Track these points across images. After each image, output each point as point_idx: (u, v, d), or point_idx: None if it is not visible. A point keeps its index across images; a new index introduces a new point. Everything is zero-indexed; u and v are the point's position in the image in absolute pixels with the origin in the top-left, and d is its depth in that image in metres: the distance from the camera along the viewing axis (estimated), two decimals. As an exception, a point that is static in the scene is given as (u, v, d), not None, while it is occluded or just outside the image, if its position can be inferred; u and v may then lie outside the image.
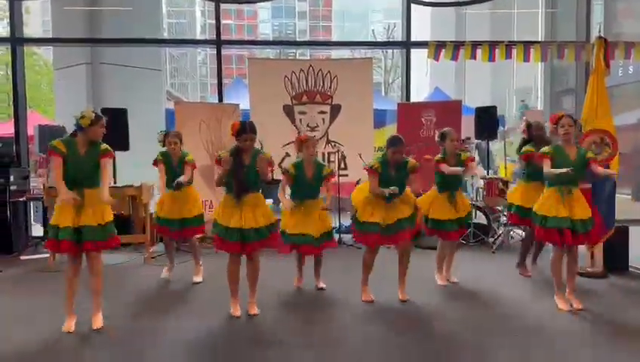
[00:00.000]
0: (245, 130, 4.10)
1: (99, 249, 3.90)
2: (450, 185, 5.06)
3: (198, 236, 5.86)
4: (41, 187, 7.12)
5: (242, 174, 4.09)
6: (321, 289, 5.01)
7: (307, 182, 4.70)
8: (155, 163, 5.40)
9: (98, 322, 3.95)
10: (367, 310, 4.40)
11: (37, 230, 7.81)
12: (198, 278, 5.40)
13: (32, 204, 7.75)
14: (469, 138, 8.54)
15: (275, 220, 4.29)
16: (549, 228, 4.24)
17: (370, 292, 4.66)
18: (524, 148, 5.33)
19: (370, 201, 4.54)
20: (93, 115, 3.89)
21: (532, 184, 5.14)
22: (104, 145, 3.93)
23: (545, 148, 4.41)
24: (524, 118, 10.27)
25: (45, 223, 7.38)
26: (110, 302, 4.39)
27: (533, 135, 5.36)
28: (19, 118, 8.12)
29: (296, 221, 4.67)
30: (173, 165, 5.33)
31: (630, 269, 5.60)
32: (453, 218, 5.04)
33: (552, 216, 4.23)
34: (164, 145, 5.38)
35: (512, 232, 7.32)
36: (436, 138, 5.27)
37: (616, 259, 5.52)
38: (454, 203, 5.03)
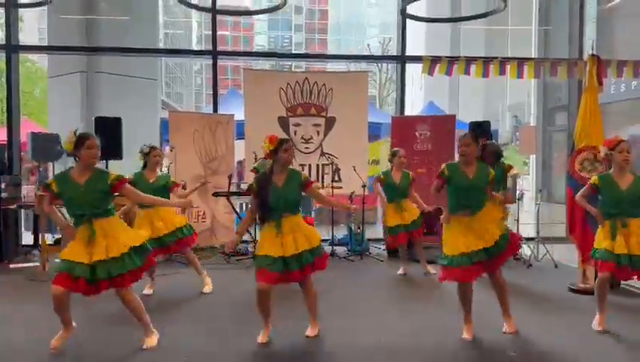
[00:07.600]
0: (285, 139, 3.80)
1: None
2: (398, 195, 5.97)
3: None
4: (33, 195, 7.07)
5: (271, 195, 3.68)
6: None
7: (151, 189, 4.83)
8: None
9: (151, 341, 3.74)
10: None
11: (27, 238, 7.73)
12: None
13: (22, 212, 7.68)
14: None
15: (320, 241, 3.84)
16: (604, 262, 3.99)
17: (471, 328, 3.96)
18: None
19: (454, 230, 3.87)
20: (75, 136, 3.45)
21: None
22: (113, 175, 3.55)
23: (592, 179, 4.19)
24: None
25: (36, 231, 7.31)
26: (107, 303, 4.34)
27: (484, 157, 5.67)
28: (12, 125, 8.08)
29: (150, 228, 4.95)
30: None
31: (622, 286, 5.60)
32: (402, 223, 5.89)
33: (602, 249, 4.02)
34: None
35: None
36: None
37: (608, 276, 5.51)
38: (402, 211, 5.92)
